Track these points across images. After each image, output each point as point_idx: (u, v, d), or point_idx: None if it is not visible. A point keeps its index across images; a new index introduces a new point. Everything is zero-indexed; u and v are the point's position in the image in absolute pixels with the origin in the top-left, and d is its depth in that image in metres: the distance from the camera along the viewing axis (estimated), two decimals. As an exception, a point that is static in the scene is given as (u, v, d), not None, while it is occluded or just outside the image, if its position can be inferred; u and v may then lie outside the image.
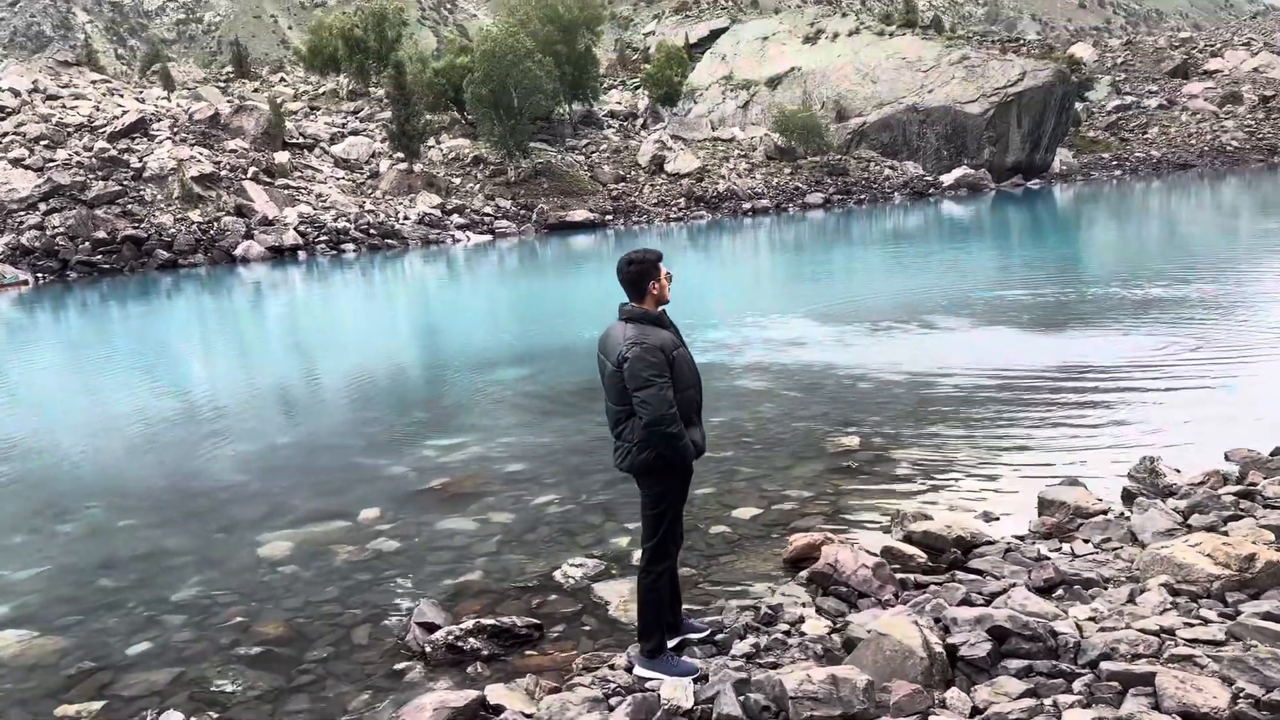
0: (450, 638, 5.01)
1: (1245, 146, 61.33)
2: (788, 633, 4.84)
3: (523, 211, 45.15)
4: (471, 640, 5.00)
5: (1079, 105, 63.18)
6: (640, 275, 4.31)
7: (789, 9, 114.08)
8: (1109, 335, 12.43)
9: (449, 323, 20.76)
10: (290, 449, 9.91)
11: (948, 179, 53.83)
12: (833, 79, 63.18)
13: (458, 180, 47.48)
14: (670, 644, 4.62)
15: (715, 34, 77.25)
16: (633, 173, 51.64)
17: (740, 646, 4.69)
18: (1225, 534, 5.07)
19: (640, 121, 60.92)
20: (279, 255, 35.97)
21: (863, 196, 50.89)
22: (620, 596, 5.47)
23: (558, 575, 5.88)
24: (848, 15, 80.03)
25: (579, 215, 44.76)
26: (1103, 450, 7.61)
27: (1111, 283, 17.12)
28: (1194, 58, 74.90)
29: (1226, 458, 6.99)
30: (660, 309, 4.37)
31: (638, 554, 6.02)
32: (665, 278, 4.37)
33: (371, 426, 10.69)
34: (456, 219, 42.66)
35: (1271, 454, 6.82)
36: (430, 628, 5.16)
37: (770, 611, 5.10)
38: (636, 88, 68.84)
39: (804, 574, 5.57)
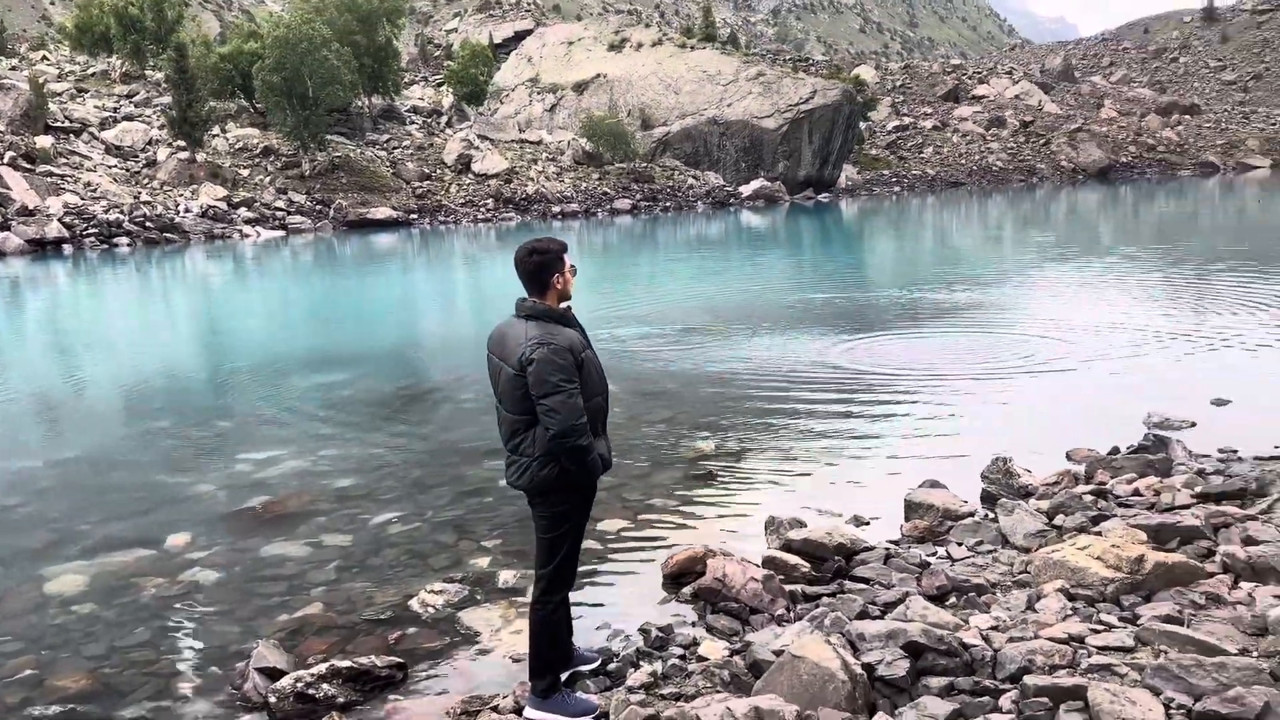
0: (299, 685, 4.30)
1: (1008, 167, 67.12)
2: (684, 657, 4.48)
3: (319, 207, 42.78)
4: (325, 686, 4.31)
5: (863, 124, 67.00)
6: (542, 267, 3.81)
7: (591, 16, 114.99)
8: (922, 338, 12.91)
9: (242, 324, 19.11)
10: (72, 466, 8.58)
11: (746, 190, 55.68)
12: (638, 87, 64.06)
13: (246, 172, 44.44)
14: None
15: (520, 35, 76.71)
16: (438, 171, 50.17)
17: (636, 676, 4.27)
18: (1099, 534, 5.14)
19: (445, 119, 59.34)
20: (41, 249, 32.31)
21: (668, 204, 51.77)
22: (492, 626, 4.93)
23: (414, 604, 5.25)
24: (651, 26, 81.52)
25: (381, 213, 42.92)
26: (948, 451, 7.74)
27: (911, 288, 17.98)
28: (964, 84, 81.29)
29: (1068, 457, 7.25)
30: (564, 305, 3.89)
31: (504, 575, 5.55)
32: (569, 271, 3.89)
33: (166, 439, 9.46)
34: (244, 213, 39.85)
35: (1109, 453, 7.13)
36: (273, 674, 4.43)
37: (661, 634, 4.73)
38: (440, 84, 67.05)
39: (688, 590, 5.23)
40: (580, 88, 65.86)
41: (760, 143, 59.19)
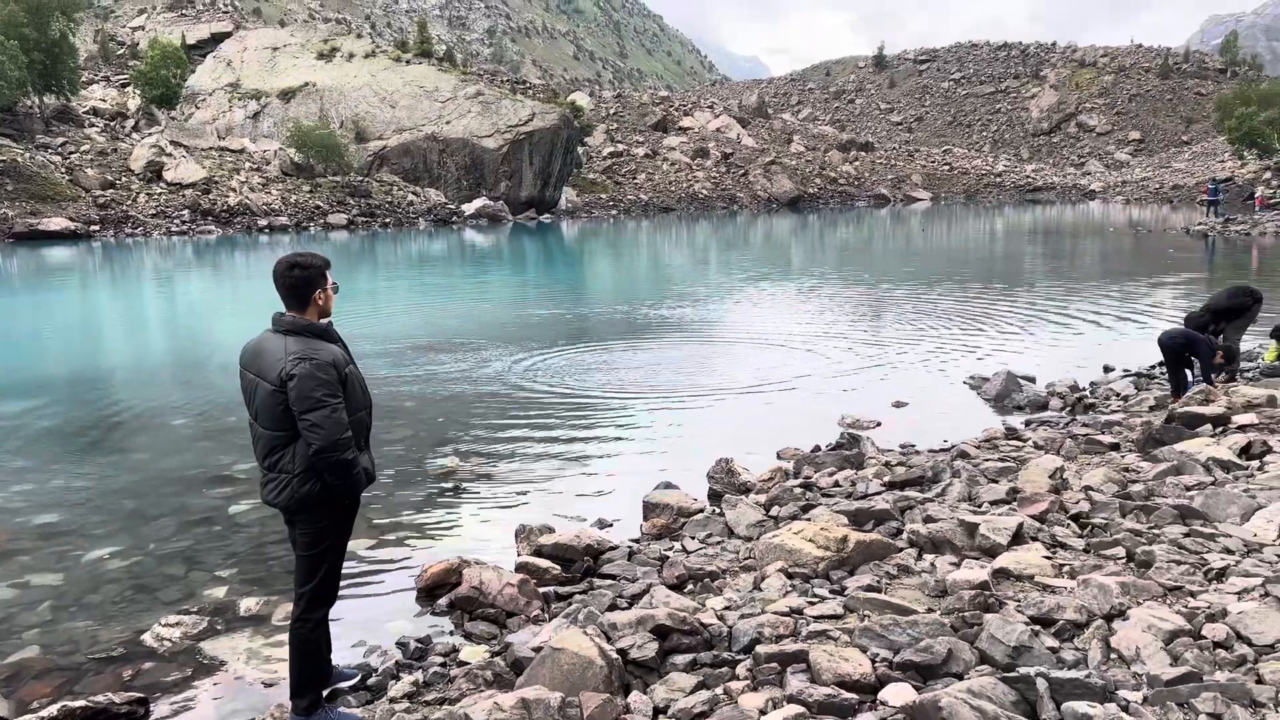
0: (25, 733, 3.97)
1: (713, 195, 71.72)
2: (445, 664, 4.60)
3: (-21, 217, 37.81)
4: (56, 731, 4.01)
5: (580, 149, 69.06)
6: (305, 282, 3.80)
7: (296, 23, 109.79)
8: (647, 352, 13.65)
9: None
10: None
11: (469, 208, 55.61)
12: (351, 99, 62.11)
13: (-116, 174, 38.38)
14: (319, 695, 4.13)
15: (219, 38, 71.83)
16: (124, 179, 45.84)
17: (398, 687, 4.34)
18: (809, 520, 5.82)
19: (132, 123, 54.36)
20: None
21: (388, 220, 50.56)
22: (238, 653, 4.77)
23: (149, 639, 4.95)
24: (363, 37, 79.28)
25: (56, 224, 38.62)
26: (677, 455, 8.34)
27: (635, 305, 18.91)
28: (671, 115, 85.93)
29: (779, 456, 8.06)
30: (326, 321, 3.89)
31: (245, 603, 5.38)
32: (331, 287, 3.91)
33: None
34: (-116, 221, 34.43)
35: (813, 451, 8.01)
36: (-10, 726, 4.05)
37: (419, 645, 4.81)
38: (126, 85, 61.33)
39: (443, 601, 5.33)
40: (287, 95, 62.79)
41: (482, 162, 59.36)
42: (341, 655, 4.65)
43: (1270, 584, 4.43)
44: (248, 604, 5.33)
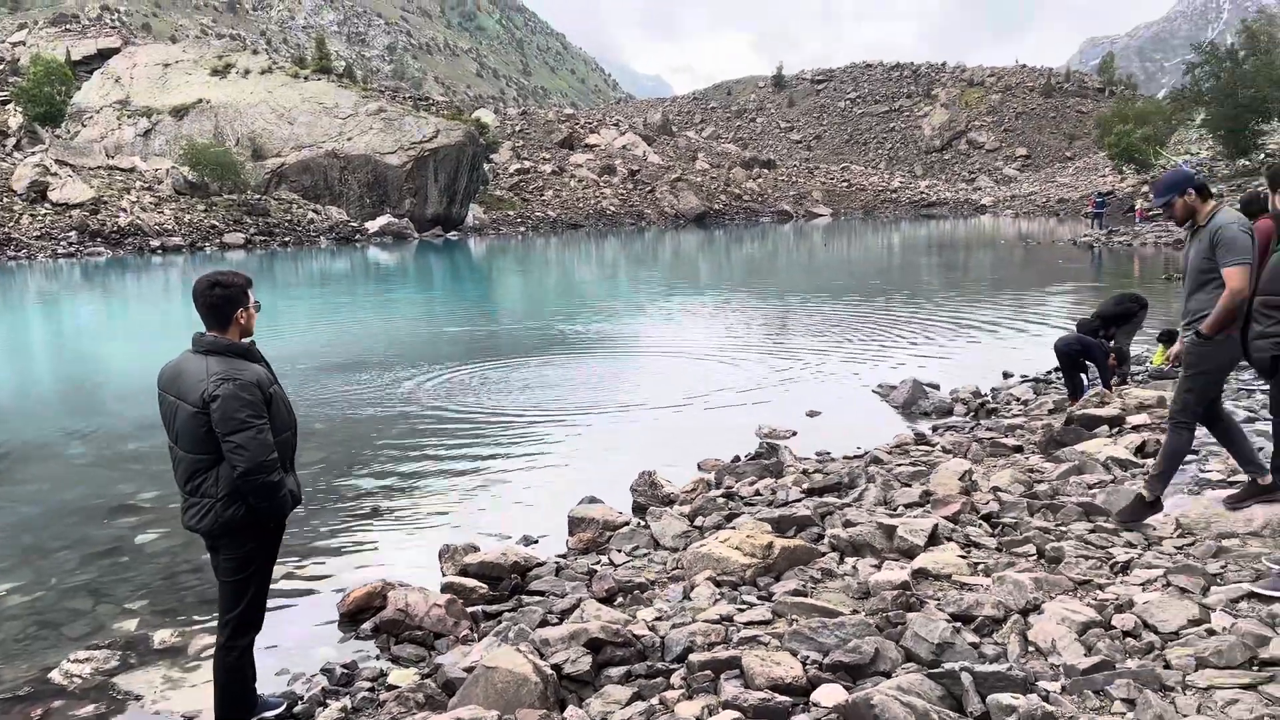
0: (-78, 785, 3.74)
1: (620, 211, 72.11)
2: (373, 689, 4.51)
3: None
4: (-44, 781, 3.79)
5: (486, 166, 68.66)
6: (226, 300, 3.70)
7: (189, 39, 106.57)
8: (564, 369, 13.63)
9: None
10: None
11: (373, 226, 54.66)
12: (247, 116, 60.52)
13: None
14: (245, 727, 4.00)
15: (106, 54, 69.19)
16: (5, 199, 43.67)
17: (326, 714, 4.25)
18: (734, 529, 5.90)
19: (13, 141, 51.85)
20: None
21: (287, 239, 49.32)
22: (155, 687, 4.59)
23: (56, 676, 4.71)
24: (259, 53, 77.40)
25: (-69, 247, 36.55)
26: (599, 469, 8.34)
27: (550, 322, 18.88)
28: (577, 133, 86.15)
29: (700, 467, 8.14)
30: (248, 340, 3.80)
31: (160, 635, 5.19)
32: (253, 306, 3.82)
33: None
34: None
35: (733, 461, 8.12)
36: (-118, 779, 3.80)
37: (345, 670, 4.71)
38: (6, 103, 58.52)
39: (367, 626, 5.22)
40: (180, 113, 60.86)
41: (385, 179, 58.45)
42: (264, 684, 4.50)
43: (1171, 574, 4.68)
44: (162, 636, 5.13)
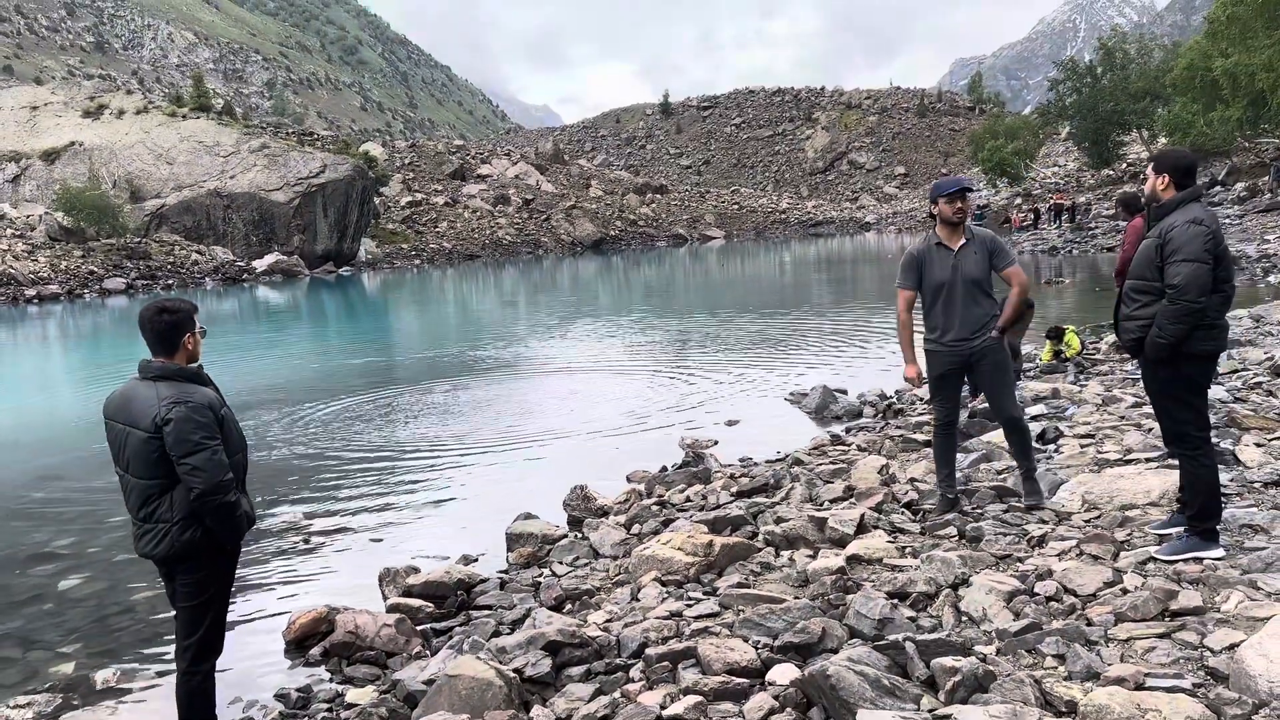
0: None
1: (517, 240, 72.01)
2: (331, 709, 4.51)
3: None
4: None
5: (377, 199, 67.71)
6: (174, 326, 3.70)
7: (56, 80, 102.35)
8: (481, 394, 13.62)
9: None
10: None
11: (261, 265, 53.26)
12: (123, 157, 58.47)
13: None
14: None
15: (-36, 95, 65.84)
16: None
17: (287, 738, 4.22)
18: (674, 533, 6.07)
19: None
20: None
21: (170, 281, 47.66)
22: (100, 726, 4.47)
23: (-8, 726, 4.56)
24: (134, 93, 74.88)
25: None
26: (531, 487, 8.40)
27: (459, 351, 18.78)
28: (468, 164, 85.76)
29: (629, 479, 8.29)
30: (197, 366, 3.79)
31: (101, 676, 5.08)
32: (199, 332, 3.82)
33: None
34: None
35: (660, 471, 8.30)
36: None
37: (301, 694, 4.69)
38: None
39: (316, 651, 5.19)
40: (50, 156, 58.37)
41: (272, 216, 57.11)
42: (219, 714, 4.45)
43: (1083, 544, 5.05)
44: (103, 676, 5.00)
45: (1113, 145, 55.31)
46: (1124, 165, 56.59)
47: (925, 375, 6.04)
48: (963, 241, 5.72)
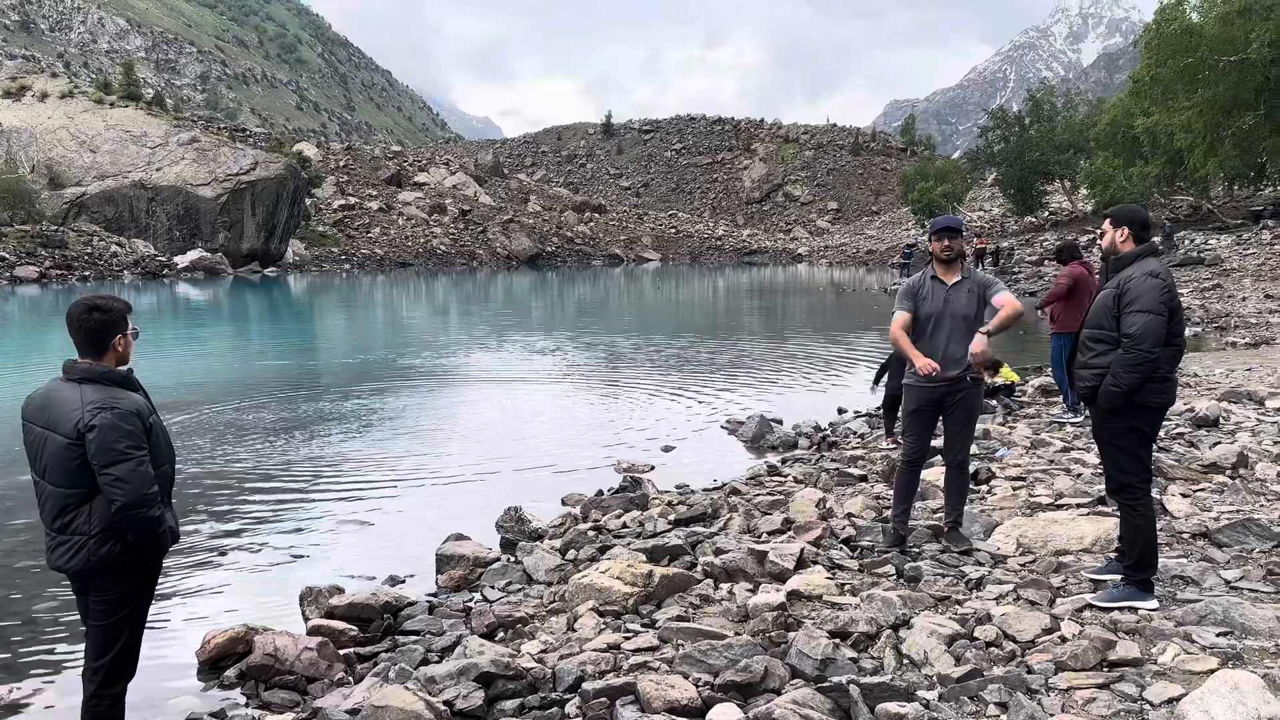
0: None
1: (451, 251, 71.21)
2: (247, 737, 4.25)
3: None
4: None
5: (308, 201, 66.39)
6: (104, 326, 3.46)
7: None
8: (393, 409, 13.31)
9: None
10: None
11: (183, 260, 51.74)
12: (44, 142, 56.40)
13: None
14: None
15: (-126, 65, 62.80)
16: None
17: (198, 767, 3.96)
18: (611, 560, 5.94)
19: None
20: None
21: (87, 273, 45.93)
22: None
23: None
24: (59, 76, 72.35)
25: None
26: (461, 507, 8.17)
27: (379, 362, 18.38)
28: (405, 170, 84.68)
29: (564, 502, 8.13)
30: (125, 369, 3.55)
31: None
32: (131, 333, 3.58)
33: None
34: None
35: (596, 495, 8.16)
36: None
37: (214, 719, 4.41)
38: None
39: (231, 673, 4.92)
40: (-35, 136, 55.89)
41: (197, 212, 55.57)
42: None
43: (1020, 589, 5.07)
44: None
45: (1036, 193, 57.18)
46: (1046, 213, 58.53)
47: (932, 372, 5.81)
48: (958, 279, 5.79)
